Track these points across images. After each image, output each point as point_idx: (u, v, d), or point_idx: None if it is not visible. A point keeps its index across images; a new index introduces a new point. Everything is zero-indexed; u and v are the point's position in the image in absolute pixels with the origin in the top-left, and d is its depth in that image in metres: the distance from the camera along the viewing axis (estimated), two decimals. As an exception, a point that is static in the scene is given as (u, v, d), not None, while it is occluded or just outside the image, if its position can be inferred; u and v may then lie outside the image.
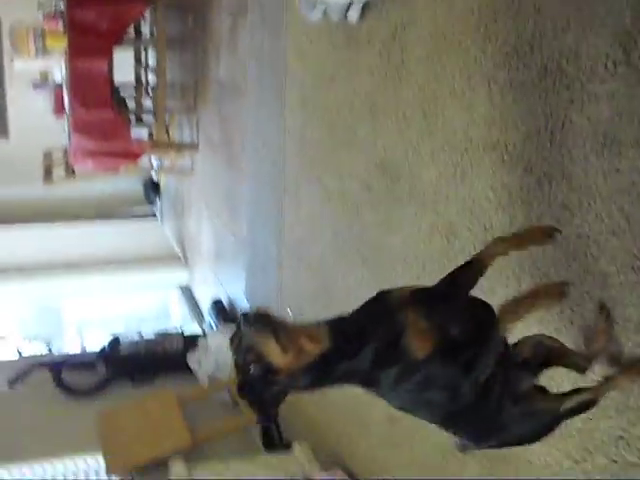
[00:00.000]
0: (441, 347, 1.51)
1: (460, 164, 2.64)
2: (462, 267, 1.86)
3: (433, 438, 3.03)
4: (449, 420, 1.70)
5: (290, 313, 4.61)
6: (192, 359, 5.71)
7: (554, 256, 2.22)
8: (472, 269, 1.83)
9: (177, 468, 4.16)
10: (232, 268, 6.01)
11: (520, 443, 1.95)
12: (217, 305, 6.12)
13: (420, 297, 1.62)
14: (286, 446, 4.65)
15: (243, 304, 5.73)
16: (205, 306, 6.80)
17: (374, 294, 1.73)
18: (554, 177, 2.20)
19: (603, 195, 2.02)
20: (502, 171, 2.42)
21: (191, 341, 5.89)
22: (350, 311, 1.68)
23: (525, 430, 1.80)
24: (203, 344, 5.70)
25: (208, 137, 6.47)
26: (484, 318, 1.64)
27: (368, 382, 1.61)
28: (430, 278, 2.88)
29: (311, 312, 4.29)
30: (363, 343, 1.52)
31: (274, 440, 5.03)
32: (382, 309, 1.57)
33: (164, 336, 6.15)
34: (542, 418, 1.79)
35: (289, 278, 4.61)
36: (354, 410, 3.81)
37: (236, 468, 4.24)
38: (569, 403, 1.79)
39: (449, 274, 1.85)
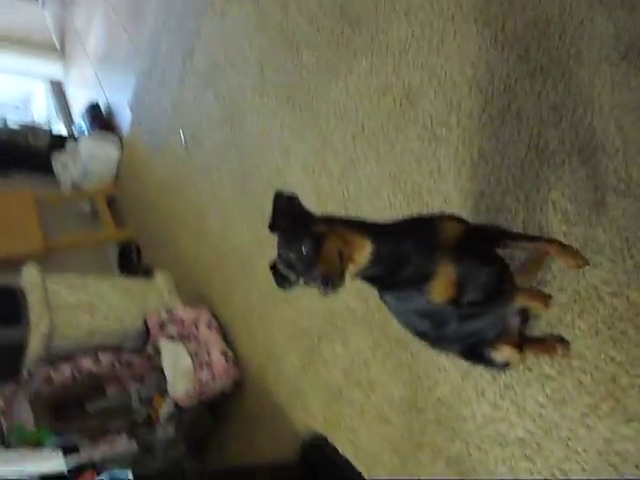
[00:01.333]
0: (455, 300, 1.64)
1: (441, 31, 2.41)
2: (512, 234, 1.94)
3: (322, 304, 2.95)
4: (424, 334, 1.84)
5: (182, 136, 4.29)
6: (57, 161, 5.28)
7: (525, 157, 2.10)
8: (517, 242, 1.89)
9: (30, 272, 3.86)
10: (120, 74, 5.49)
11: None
12: (94, 110, 5.62)
13: (462, 250, 1.65)
14: (145, 273, 4.46)
15: (125, 114, 5.29)
16: (77, 108, 6.26)
17: (424, 217, 1.77)
18: (552, 74, 2.03)
19: (604, 108, 1.89)
20: (491, 50, 2.23)
21: (59, 141, 5.43)
22: (391, 223, 1.71)
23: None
24: (72, 148, 5.27)
25: None
26: (501, 287, 1.74)
27: (384, 288, 1.72)
28: (366, 140, 2.73)
29: (208, 141, 4.01)
30: (398, 267, 1.61)
31: (132, 264, 4.82)
32: (427, 242, 1.64)
33: (30, 129, 5.62)
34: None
35: (190, 100, 4.25)
36: (238, 259, 3.66)
37: (92, 285, 4.01)
38: None
39: (499, 231, 1.93)
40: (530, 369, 2.04)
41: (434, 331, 1.79)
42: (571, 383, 1.92)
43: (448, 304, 1.65)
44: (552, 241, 1.90)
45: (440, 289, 1.62)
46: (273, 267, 1.61)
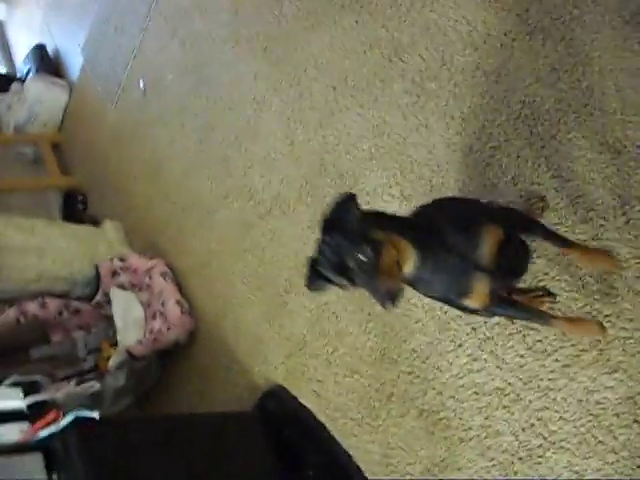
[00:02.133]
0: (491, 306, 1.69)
1: (438, -14, 2.42)
2: (547, 231, 1.90)
3: (290, 255, 2.94)
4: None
5: (141, 84, 4.18)
6: (1, 102, 5.06)
7: (519, 114, 2.13)
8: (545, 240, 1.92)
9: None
10: (72, 17, 5.30)
11: None
12: (40, 51, 5.38)
13: (501, 266, 1.66)
14: (93, 224, 4.33)
15: (75, 59, 5.10)
16: (19, 51, 5.99)
17: (464, 217, 1.70)
18: (552, 35, 2.07)
19: (604, 70, 1.93)
20: (489, 8, 2.25)
21: (3, 82, 5.18)
22: (430, 222, 1.66)
23: None
24: (18, 89, 5.06)
25: None
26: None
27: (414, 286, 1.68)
28: (349, 92, 2.72)
29: (170, 90, 3.92)
30: (434, 277, 1.60)
31: (77, 213, 4.68)
32: (468, 260, 1.61)
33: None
34: None
35: (152, 47, 4.14)
36: (197, 209, 3.61)
37: (40, 228, 3.87)
38: None
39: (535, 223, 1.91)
40: (512, 321, 2.09)
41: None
42: (554, 334, 1.98)
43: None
44: (577, 246, 1.89)
45: (475, 302, 1.66)
46: (312, 265, 1.54)
